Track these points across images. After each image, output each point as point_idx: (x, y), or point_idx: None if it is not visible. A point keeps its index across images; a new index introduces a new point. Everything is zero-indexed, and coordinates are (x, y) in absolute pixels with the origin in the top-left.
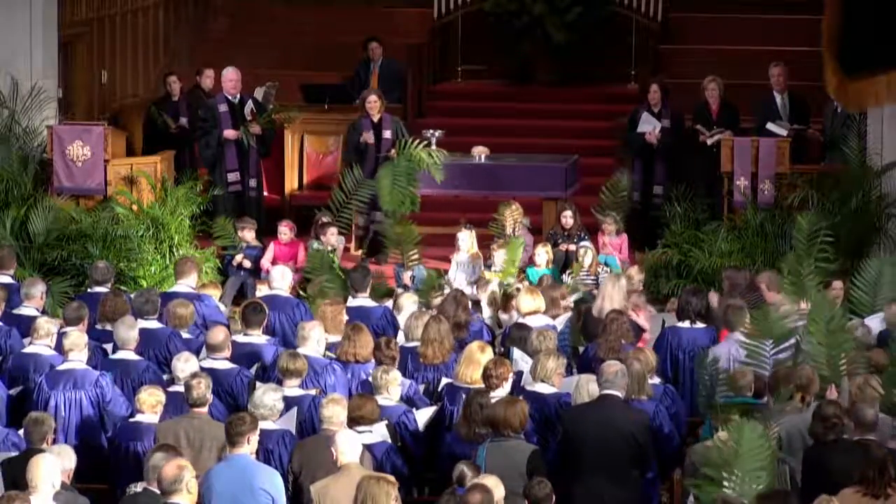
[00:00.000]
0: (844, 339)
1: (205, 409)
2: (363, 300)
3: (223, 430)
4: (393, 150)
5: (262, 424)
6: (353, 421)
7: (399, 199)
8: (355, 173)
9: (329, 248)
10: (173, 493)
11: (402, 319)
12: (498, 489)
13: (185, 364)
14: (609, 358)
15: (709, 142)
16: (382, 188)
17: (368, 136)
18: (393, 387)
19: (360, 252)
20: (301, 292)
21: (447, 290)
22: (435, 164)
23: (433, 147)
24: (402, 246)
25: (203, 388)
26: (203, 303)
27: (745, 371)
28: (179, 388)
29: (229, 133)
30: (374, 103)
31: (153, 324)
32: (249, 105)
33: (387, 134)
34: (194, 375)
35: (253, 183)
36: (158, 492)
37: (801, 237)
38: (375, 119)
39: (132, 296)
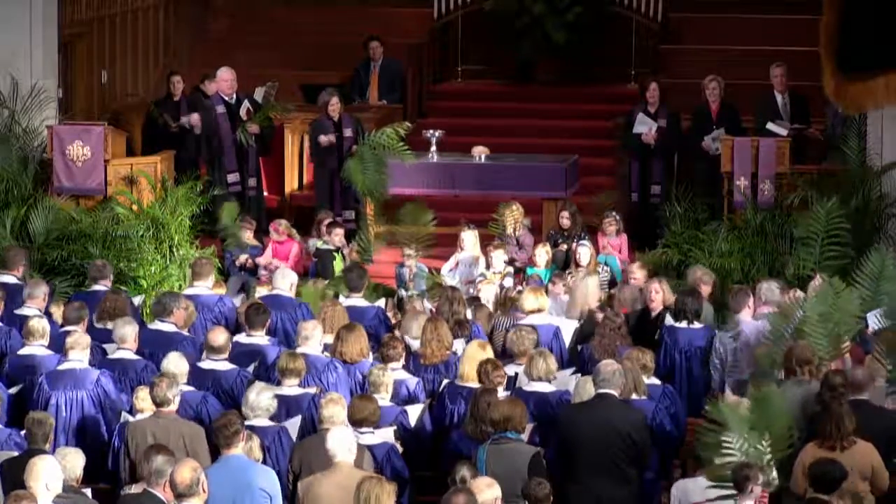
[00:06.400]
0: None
1: (171, 409)
2: (356, 300)
3: (189, 428)
4: (354, 147)
5: (260, 422)
6: (356, 423)
7: (373, 180)
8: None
9: (334, 248)
10: (190, 496)
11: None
12: (492, 491)
13: (177, 361)
14: (603, 358)
15: (713, 147)
16: (354, 174)
17: (330, 137)
18: (390, 387)
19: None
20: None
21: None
22: (401, 147)
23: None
24: (416, 227)
25: (164, 387)
26: (224, 304)
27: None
28: None
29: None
30: (335, 105)
31: (167, 326)
32: (245, 105)
33: (347, 132)
34: (160, 375)
35: (253, 182)
36: (156, 493)
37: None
38: (336, 119)
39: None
